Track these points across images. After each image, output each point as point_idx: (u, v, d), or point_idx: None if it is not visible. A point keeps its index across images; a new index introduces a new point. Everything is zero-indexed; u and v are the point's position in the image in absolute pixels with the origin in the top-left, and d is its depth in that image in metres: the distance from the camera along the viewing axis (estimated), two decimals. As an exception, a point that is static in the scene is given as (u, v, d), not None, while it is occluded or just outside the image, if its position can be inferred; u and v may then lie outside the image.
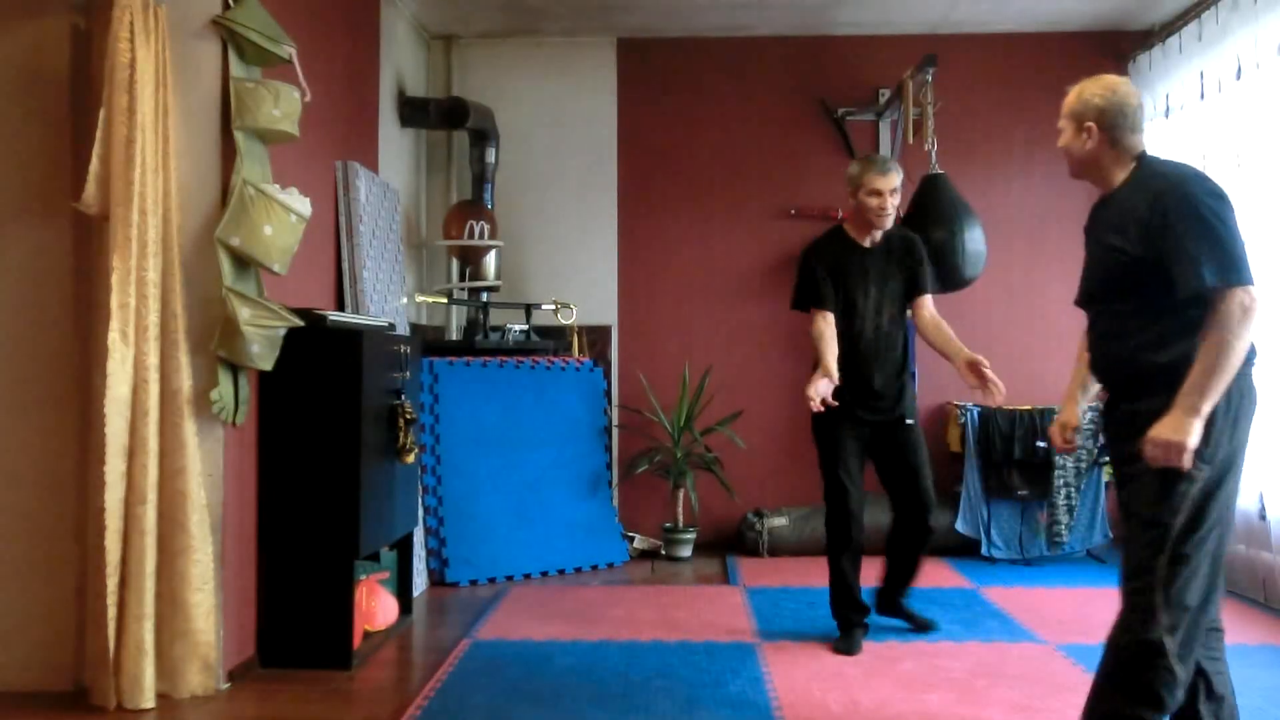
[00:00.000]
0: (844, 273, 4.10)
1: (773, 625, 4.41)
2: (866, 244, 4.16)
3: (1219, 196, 2.66)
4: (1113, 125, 2.79)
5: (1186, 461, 2.52)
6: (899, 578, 4.30)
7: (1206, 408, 2.52)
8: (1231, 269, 2.55)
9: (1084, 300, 2.95)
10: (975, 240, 5.45)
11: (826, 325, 4.04)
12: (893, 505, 4.24)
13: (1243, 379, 2.62)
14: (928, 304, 4.19)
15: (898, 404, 4.16)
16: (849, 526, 4.08)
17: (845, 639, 4.05)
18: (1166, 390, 2.59)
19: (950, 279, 5.53)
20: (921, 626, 4.31)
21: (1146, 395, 2.66)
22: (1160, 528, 2.56)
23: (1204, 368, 2.53)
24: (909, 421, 4.18)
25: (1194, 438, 2.51)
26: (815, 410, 3.85)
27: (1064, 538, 5.70)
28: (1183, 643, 2.54)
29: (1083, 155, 2.85)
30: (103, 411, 3.29)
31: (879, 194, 4.06)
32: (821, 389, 3.82)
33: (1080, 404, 3.04)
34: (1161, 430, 2.54)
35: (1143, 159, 2.82)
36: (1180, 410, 2.53)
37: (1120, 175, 2.82)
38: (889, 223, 4.14)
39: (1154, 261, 2.63)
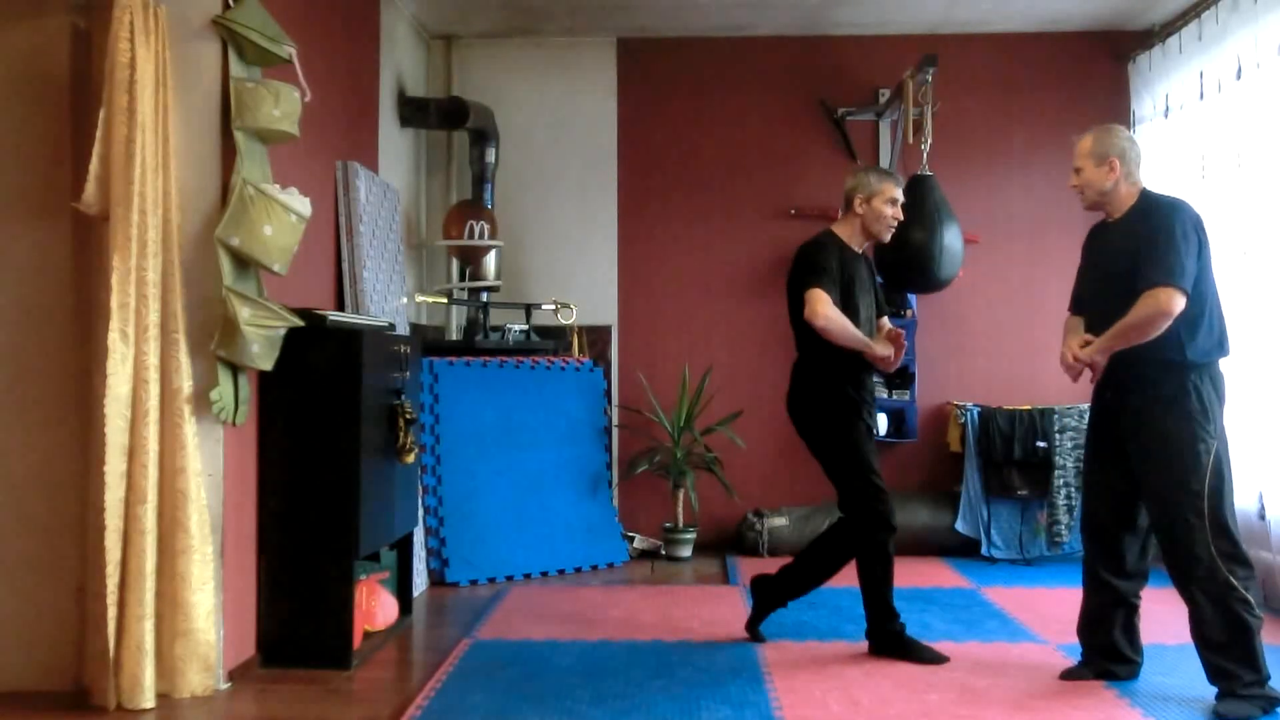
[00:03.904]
0: (852, 277, 4.05)
1: (773, 625, 4.40)
2: (859, 251, 4.15)
3: (1195, 222, 3.42)
4: (1132, 162, 3.51)
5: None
6: (810, 581, 4.18)
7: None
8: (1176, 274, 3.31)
9: (1080, 307, 3.74)
10: (953, 242, 5.44)
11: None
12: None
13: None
14: (886, 324, 4.26)
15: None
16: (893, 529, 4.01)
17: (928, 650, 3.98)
18: (1167, 382, 3.37)
19: (925, 280, 5.51)
20: (759, 639, 4.21)
21: (1149, 386, 3.40)
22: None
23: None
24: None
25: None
26: (889, 363, 3.96)
27: (1064, 538, 5.70)
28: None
29: (1103, 187, 3.53)
30: (103, 411, 3.29)
31: (895, 203, 4.07)
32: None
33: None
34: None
35: (1144, 193, 3.54)
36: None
37: (1127, 204, 3.53)
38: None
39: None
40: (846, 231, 4.13)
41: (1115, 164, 3.48)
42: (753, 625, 4.25)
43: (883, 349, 3.99)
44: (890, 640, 3.98)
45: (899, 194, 4.09)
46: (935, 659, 3.91)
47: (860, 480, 3.98)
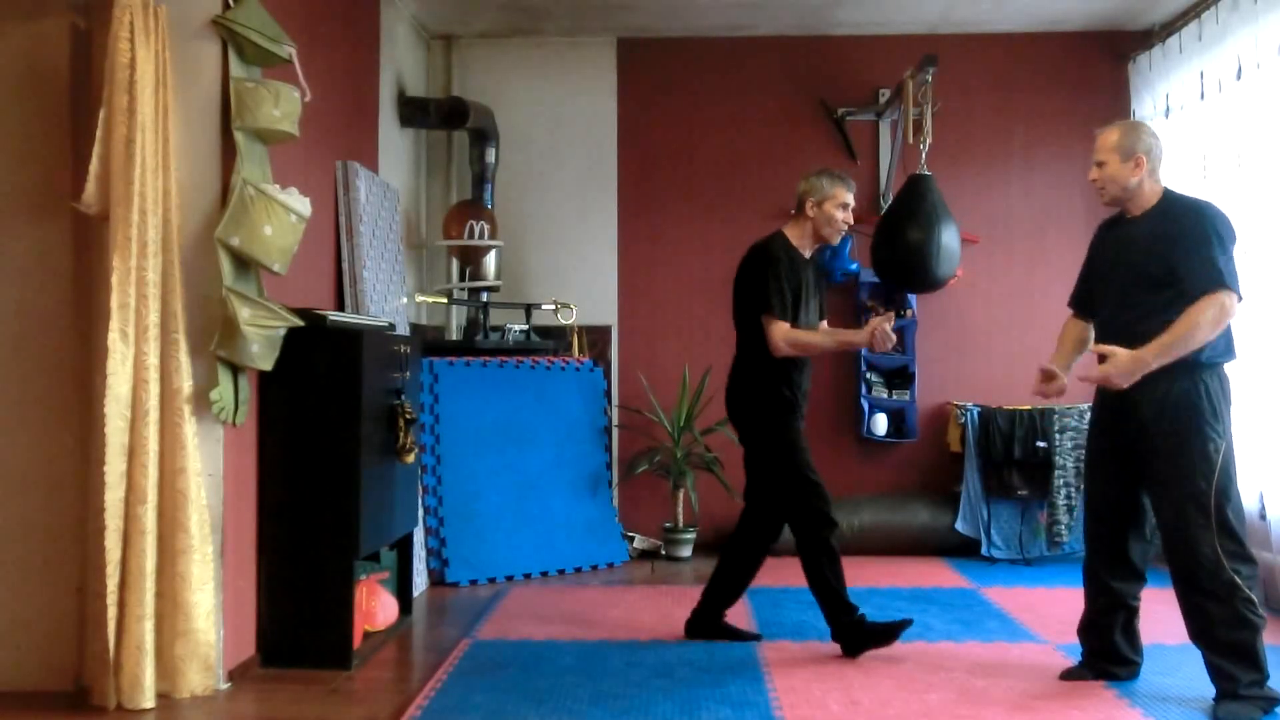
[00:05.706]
0: (799, 284, 4.06)
1: (773, 625, 4.41)
2: (808, 255, 4.17)
3: (1228, 224, 3.39)
4: (1156, 159, 3.48)
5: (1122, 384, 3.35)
6: (737, 590, 4.25)
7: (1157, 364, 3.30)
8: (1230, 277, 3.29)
9: (1085, 305, 3.70)
10: (950, 241, 5.44)
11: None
12: (756, 513, 4.20)
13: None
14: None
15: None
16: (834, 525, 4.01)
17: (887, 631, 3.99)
18: (1179, 381, 3.34)
19: (924, 279, 5.51)
20: (750, 637, 4.23)
21: (1160, 384, 3.35)
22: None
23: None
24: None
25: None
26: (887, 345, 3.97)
27: (1064, 538, 5.70)
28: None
29: (1127, 183, 3.48)
30: (103, 411, 3.29)
31: (846, 207, 4.10)
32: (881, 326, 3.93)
33: (1067, 365, 3.68)
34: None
35: (1167, 192, 3.51)
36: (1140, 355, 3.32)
37: (1150, 203, 3.49)
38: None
39: (1171, 273, 3.34)
40: (796, 234, 4.15)
41: (1142, 161, 3.45)
42: (738, 639, 4.22)
43: (862, 336, 4.01)
44: (854, 633, 3.96)
45: (850, 198, 4.11)
46: (899, 626, 3.93)
47: (798, 479, 3.99)
